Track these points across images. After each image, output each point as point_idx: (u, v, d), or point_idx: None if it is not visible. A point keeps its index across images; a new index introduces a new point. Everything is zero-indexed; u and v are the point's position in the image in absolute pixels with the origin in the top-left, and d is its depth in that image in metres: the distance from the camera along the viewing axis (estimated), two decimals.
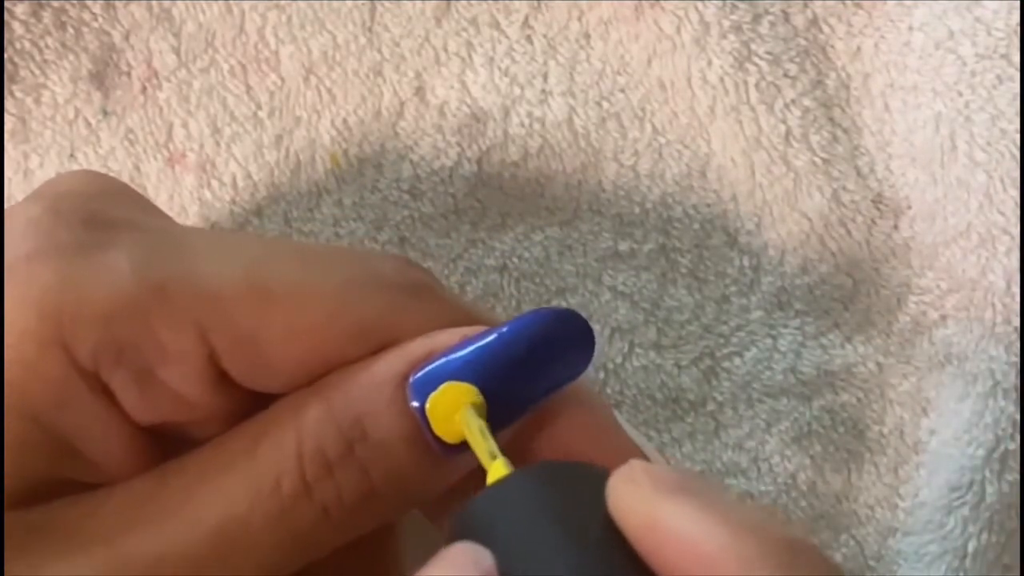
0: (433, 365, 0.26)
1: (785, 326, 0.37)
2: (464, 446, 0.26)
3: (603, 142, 0.36)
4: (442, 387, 0.26)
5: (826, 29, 0.36)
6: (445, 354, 0.26)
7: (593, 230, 0.36)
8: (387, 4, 0.36)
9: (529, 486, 0.24)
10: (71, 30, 0.35)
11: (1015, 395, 0.36)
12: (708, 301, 0.37)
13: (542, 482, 0.24)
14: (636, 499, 0.23)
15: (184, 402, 0.25)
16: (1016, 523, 0.36)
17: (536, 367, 0.26)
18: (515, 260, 0.36)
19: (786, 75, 0.36)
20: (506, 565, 0.22)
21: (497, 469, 0.25)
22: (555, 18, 0.36)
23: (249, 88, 0.36)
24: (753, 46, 0.35)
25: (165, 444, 0.26)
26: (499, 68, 0.36)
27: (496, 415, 0.26)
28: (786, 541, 0.22)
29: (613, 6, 0.36)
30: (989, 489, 0.36)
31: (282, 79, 0.36)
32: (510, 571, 0.22)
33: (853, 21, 0.36)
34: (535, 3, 0.36)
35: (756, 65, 0.36)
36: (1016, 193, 0.35)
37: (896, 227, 0.36)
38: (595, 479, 0.24)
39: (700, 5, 0.35)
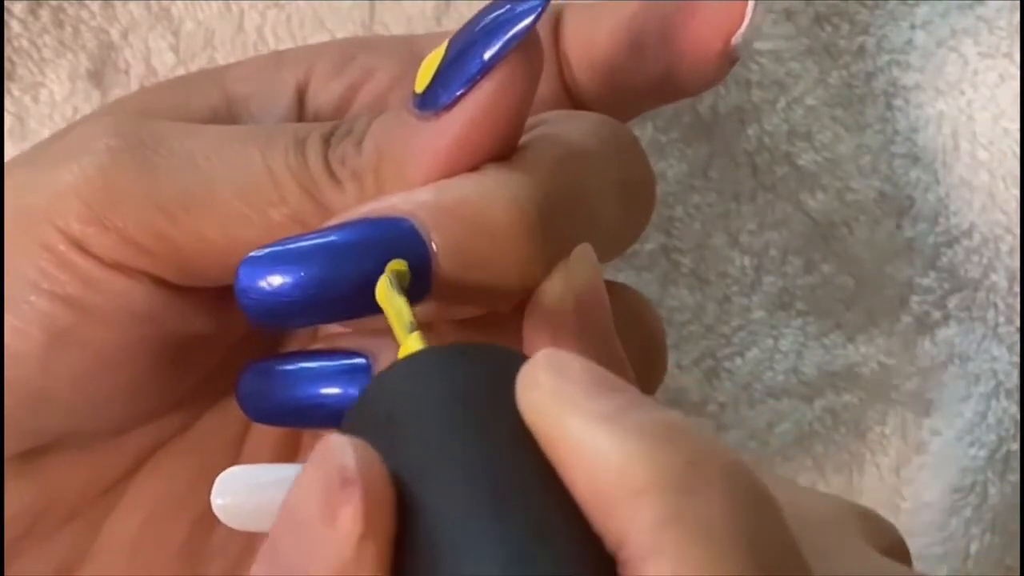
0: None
1: (787, 326, 0.37)
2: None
3: None
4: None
5: (828, 27, 0.36)
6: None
7: None
8: (386, 3, 0.35)
9: (439, 367, 0.22)
10: (69, 28, 0.35)
11: (1017, 396, 0.36)
12: (709, 301, 0.36)
13: (454, 363, 0.22)
14: (538, 406, 0.20)
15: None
16: (1018, 524, 0.36)
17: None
18: None
19: (788, 73, 0.36)
20: (397, 455, 0.20)
21: (412, 344, 0.23)
22: None
23: None
24: (756, 44, 0.35)
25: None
26: None
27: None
28: (691, 453, 0.19)
29: None
30: (991, 490, 0.36)
31: None
32: (405, 459, 0.20)
33: (855, 19, 0.36)
34: None
35: (758, 64, 0.36)
36: (1018, 192, 0.35)
37: (899, 226, 0.36)
38: (514, 365, 0.21)
39: None
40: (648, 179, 0.29)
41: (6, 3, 0.34)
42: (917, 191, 0.36)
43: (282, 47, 0.35)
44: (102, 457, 0.29)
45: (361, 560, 0.19)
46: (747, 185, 0.36)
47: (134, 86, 0.35)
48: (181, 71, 0.35)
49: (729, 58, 0.29)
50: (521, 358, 0.22)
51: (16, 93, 0.35)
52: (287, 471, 0.26)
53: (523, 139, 0.27)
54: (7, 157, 0.35)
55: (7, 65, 0.35)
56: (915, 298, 0.36)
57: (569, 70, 0.30)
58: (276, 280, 0.25)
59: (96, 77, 0.35)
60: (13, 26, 0.35)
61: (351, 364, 0.26)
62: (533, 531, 0.19)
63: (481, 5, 0.36)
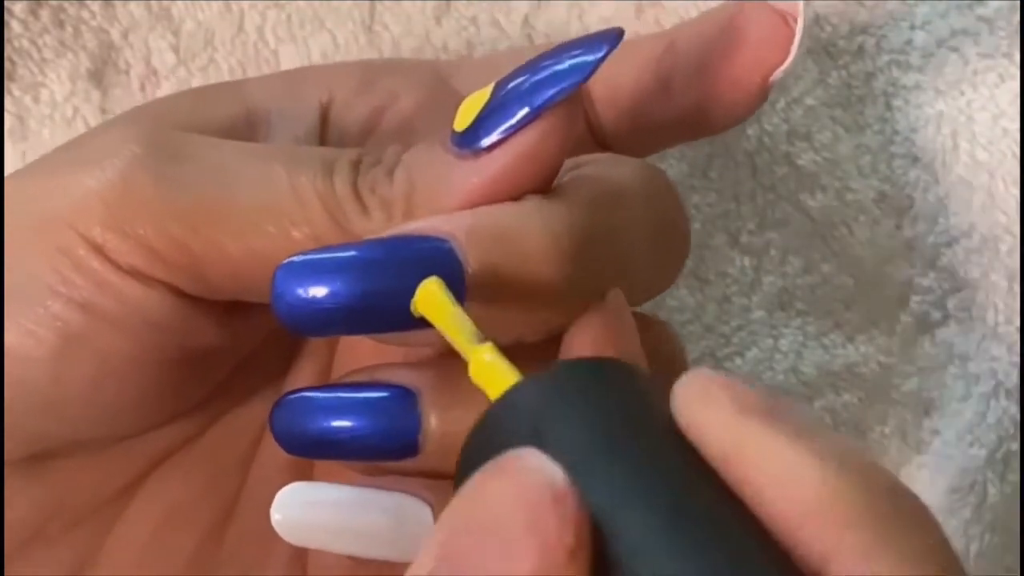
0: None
1: (787, 326, 0.37)
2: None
3: None
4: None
5: (828, 28, 0.36)
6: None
7: None
8: (387, 3, 0.35)
9: (580, 382, 0.21)
10: (69, 28, 0.35)
11: (1017, 396, 0.36)
12: (709, 301, 0.36)
13: (594, 378, 0.21)
14: (716, 422, 0.20)
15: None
16: (1018, 524, 0.36)
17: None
18: None
19: (788, 74, 0.36)
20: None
21: (483, 355, 0.22)
22: (555, 17, 0.36)
23: None
24: None
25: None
26: None
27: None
28: (888, 488, 0.20)
29: (614, 5, 0.36)
30: (991, 490, 0.36)
31: None
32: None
33: (855, 19, 0.36)
34: (535, 2, 0.36)
35: None
36: (1018, 192, 0.35)
37: (898, 227, 0.36)
38: (643, 381, 0.21)
39: (702, 4, 0.35)
40: (683, 228, 0.29)
41: (6, 3, 0.34)
42: (917, 191, 0.36)
43: (282, 47, 0.35)
44: (110, 462, 0.29)
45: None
46: (747, 185, 0.36)
47: (134, 86, 0.35)
48: (181, 71, 0.35)
49: (765, 94, 0.29)
50: (646, 373, 0.21)
51: (16, 93, 0.35)
52: (347, 492, 0.26)
53: (564, 177, 0.27)
54: (7, 157, 0.35)
55: (7, 65, 0.35)
56: (915, 298, 0.36)
57: (592, 108, 0.30)
58: (312, 288, 0.25)
59: (96, 77, 0.35)
60: (13, 26, 0.35)
61: (392, 396, 0.26)
62: (727, 556, 0.19)
63: (479, 7, 0.36)
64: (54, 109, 0.35)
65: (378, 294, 0.24)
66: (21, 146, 0.35)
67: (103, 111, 0.35)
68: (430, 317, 0.23)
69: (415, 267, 0.24)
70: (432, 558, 0.20)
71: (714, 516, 0.19)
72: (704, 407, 0.20)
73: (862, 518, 0.19)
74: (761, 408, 0.20)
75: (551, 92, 0.25)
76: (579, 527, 0.19)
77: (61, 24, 0.35)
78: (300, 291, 0.25)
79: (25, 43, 0.35)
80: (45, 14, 0.35)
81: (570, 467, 0.19)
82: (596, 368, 0.22)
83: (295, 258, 0.25)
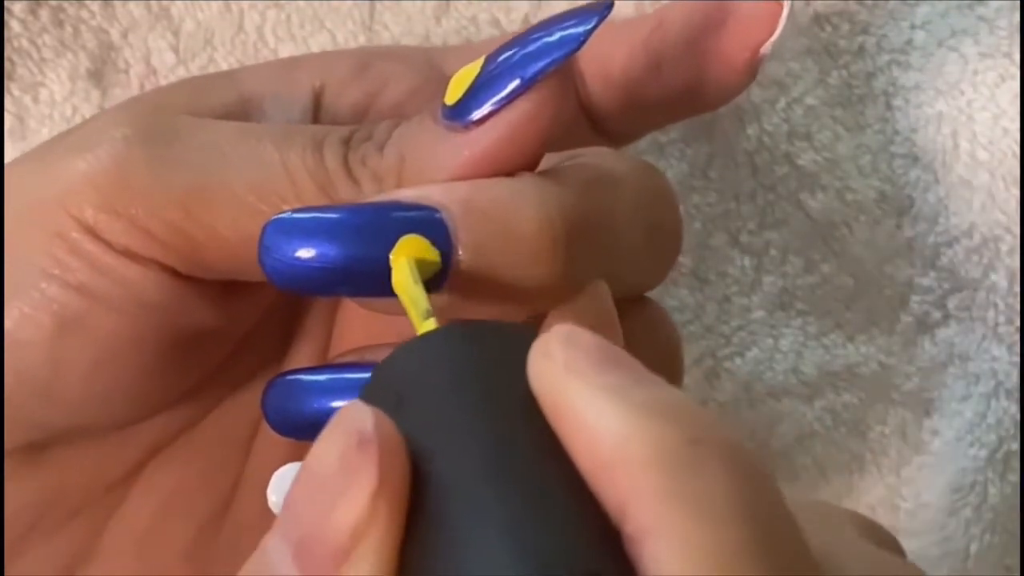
0: None
1: (787, 326, 0.37)
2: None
3: None
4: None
5: (828, 27, 0.36)
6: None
7: None
8: (386, 3, 0.35)
9: (445, 345, 0.22)
10: (69, 28, 0.35)
11: (1017, 396, 0.36)
12: (709, 301, 0.36)
13: (460, 341, 0.22)
14: (547, 376, 0.20)
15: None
16: (1018, 524, 0.36)
17: None
18: None
19: (788, 73, 0.36)
20: (410, 427, 0.20)
21: (426, 329, 0.23)
22: None
23: None
24: None
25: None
26: None
27: None
28: (694, 436, 0.19)
29: (613, 5, 0.36)
30: (991, 490, 0.36)
31: None
32: (414, 434, 0.20)
33: (855, 19, 0.36)
34: (536, 1, 0.36)
35: None
36: (1018, 192, 0.35)
37: (899, 226, 0.36)
38: (522, 340, 0.22)
39: None
40: (676, 228, 0.29)
41: (6, 3, 0.34)
42: (917, 191, 0.36)
43: (282, 47, 0.35)
44: (108, 451, 0.29)
45: (374, 517, 0.19)
46: (747, 185, 0.36)
47: (134, 86, 0.35)
48: (181, 71, 0.35)
49: (754, 69, 0.29)
50: (530, 334, 0.22)
51: (16, 93, 0.35)
52: None
53: (561, 163, 0.27)
54: (7, 157, 0.35)
55: (7, 65, 0.35)
56: (915, 298, 0.36)
57: (584, 88, 0.30)
58: (299, 246, 0.25)
59: (96, 77, 0.35)
60: (13, 26, 0.35)
61: None
62: (532, 498, 0.19)
63: (479, 7, 0.36)
64: (54, 109, 0.35)
65: (364, 258, 0.24)
66: (21, 146, 0.35)
67: (102, 111, 0.35)
68: (399, 294, 0.24)
69: (403, 234, 0.24)
70: (277, 520, 0.21)
71: (527, 464, 0.20)
72: (540, 362, 0.21)
73: (659, 462, 0.19)
74: (585, 362, 0.20)
75: (542, 64, 0.25)
76: (385, 468, 0.19)
77: (60, 24, 0.35)
78: (287, 248, 0.25)
79: (24, 43, 0.35)
80: (45, 14, 0.35)
81: (414, 421, 0.21)
82: (464, 331, 0.22)
83: (284, 215, 0.25)
